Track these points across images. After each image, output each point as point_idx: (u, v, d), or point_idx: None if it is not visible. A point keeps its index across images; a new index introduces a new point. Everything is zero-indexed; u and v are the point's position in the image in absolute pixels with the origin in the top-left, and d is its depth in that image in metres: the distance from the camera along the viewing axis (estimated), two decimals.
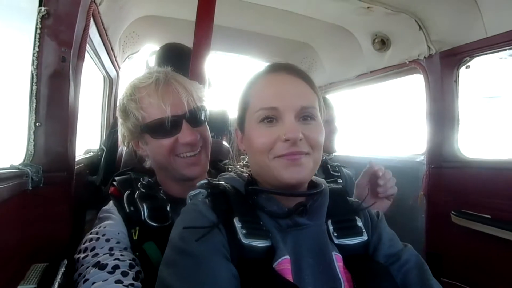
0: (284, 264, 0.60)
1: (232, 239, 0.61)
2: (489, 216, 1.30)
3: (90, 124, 1.98)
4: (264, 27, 1.96)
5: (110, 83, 2.06)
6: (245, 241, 0.60)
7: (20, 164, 0.75)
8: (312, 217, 0.68)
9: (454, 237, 1.45)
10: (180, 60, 1.32)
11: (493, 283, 1.30)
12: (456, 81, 1.50)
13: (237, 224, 0.62)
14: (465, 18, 1.33)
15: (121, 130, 0.92)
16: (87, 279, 0.65)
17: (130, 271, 0.68)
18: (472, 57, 1.42)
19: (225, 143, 1.33)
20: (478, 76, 1.46)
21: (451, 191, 1.49)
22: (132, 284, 0.65)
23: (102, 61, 1.67)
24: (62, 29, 0.79)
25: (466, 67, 1.47)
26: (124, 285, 0.64)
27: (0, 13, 0.85)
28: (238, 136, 0.77)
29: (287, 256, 0.61)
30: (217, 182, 0.71)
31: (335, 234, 0.69)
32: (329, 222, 0.70)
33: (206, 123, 0.96)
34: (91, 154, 1.41)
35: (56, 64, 0.80)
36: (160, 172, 0.94)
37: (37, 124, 0.79)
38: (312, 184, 0.74)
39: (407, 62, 1.64)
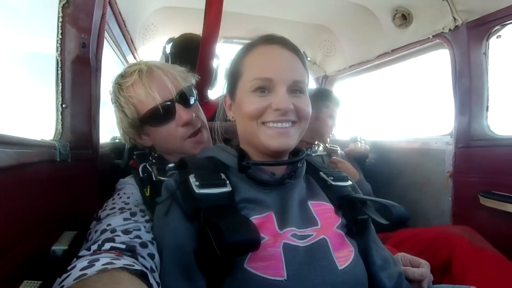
0: (266, 218, 0.66)
1: (188, 195, 0.65)
2: None
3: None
4: (277, 11, 1.93)
5: None
6: (198, 191, 0.63)
7: (49, 140, 0.83)
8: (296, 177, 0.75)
9: (482, 220, 1.37)
10: (196, 50, 1.35)
11: None
12: (486, 53, 1.40)
13: (192, 179, 0.66)
14: None
15: (120, 126, 0.95)
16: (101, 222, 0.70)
17: (140, 214, 0.74)
18: (503, 25, 1.31)
19: None
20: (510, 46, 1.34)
21: (480, 171, 1.40)
22: (141, 220, 0.70)
23: (123, 53, 1.76)
24: (81, 16, 0.86)
25: (497, 37, 1.36)
26: (133, 220, 0.69)
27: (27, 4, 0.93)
28: (227, 103, 0.80)
29: (270, 212, 0.67)
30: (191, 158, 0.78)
31: (331, 178, 0.79)
32: (321, 173, 0.80)
33: (198, 104, 0.99)
34: (117, 141, 1.51)
35: (77, 50, 0.86)
36: (169, 155, 0.97)
37: (63, 105, 0.87)
38: (294, 149, 0.78)
39: (431, 37, 1.55)
